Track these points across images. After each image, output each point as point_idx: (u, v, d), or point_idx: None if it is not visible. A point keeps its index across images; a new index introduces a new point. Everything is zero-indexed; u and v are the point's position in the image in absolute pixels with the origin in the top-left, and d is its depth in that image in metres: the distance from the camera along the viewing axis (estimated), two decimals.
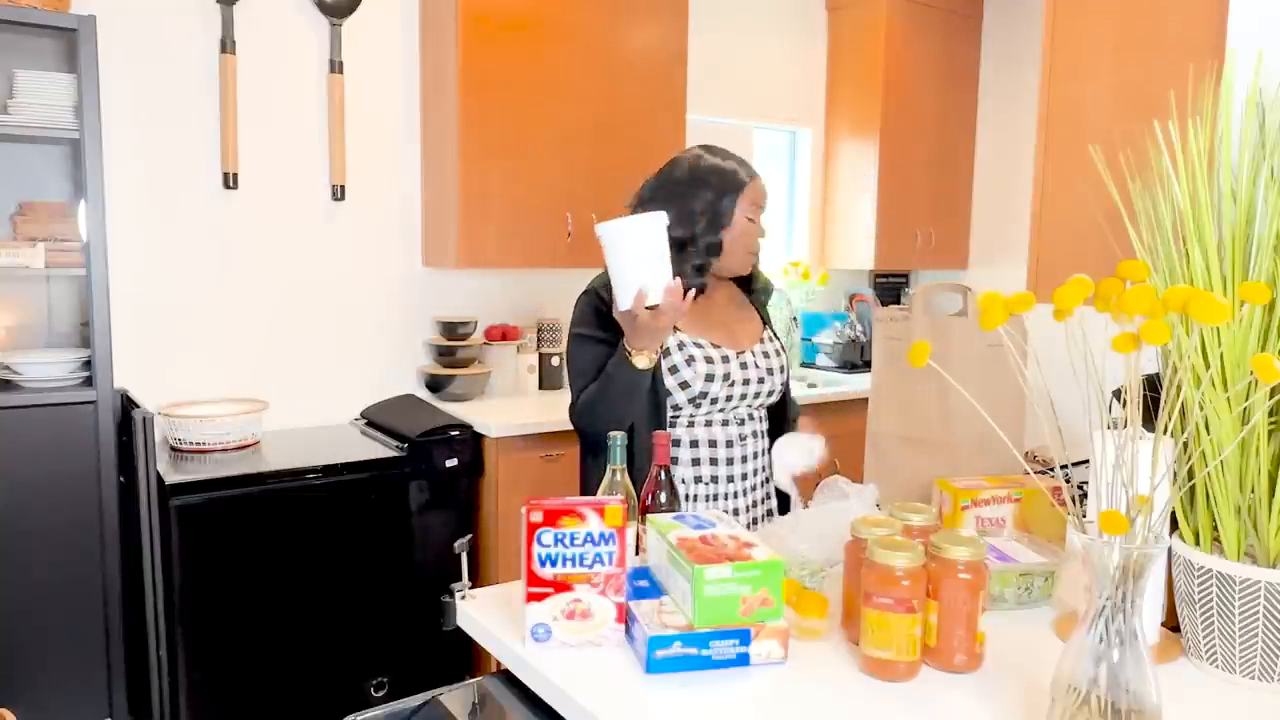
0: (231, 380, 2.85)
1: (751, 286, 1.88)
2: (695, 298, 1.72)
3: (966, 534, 1.17)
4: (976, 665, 1.12)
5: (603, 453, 1.64)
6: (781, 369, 1.82)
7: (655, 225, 1.47)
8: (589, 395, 1.66)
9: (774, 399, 1.82)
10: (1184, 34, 1.62)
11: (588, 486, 1.77)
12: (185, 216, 2.74)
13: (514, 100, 2.94)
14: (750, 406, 1.77)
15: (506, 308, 3.34)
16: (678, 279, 1.50)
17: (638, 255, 1.47)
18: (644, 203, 1.74)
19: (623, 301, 1.49)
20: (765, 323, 1.86)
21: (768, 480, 1.83)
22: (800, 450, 1.72)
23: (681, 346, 1.70)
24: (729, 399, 1.73)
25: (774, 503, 1.84)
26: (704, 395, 1.69)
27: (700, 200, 1.70)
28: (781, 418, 1.88)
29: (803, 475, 1.70)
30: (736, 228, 1.72)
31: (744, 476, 1.76)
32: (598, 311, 1.69)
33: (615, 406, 1.63)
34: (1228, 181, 1.12)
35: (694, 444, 1.73)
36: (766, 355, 1.79)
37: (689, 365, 1.68)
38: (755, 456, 1.79)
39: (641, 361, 1.57)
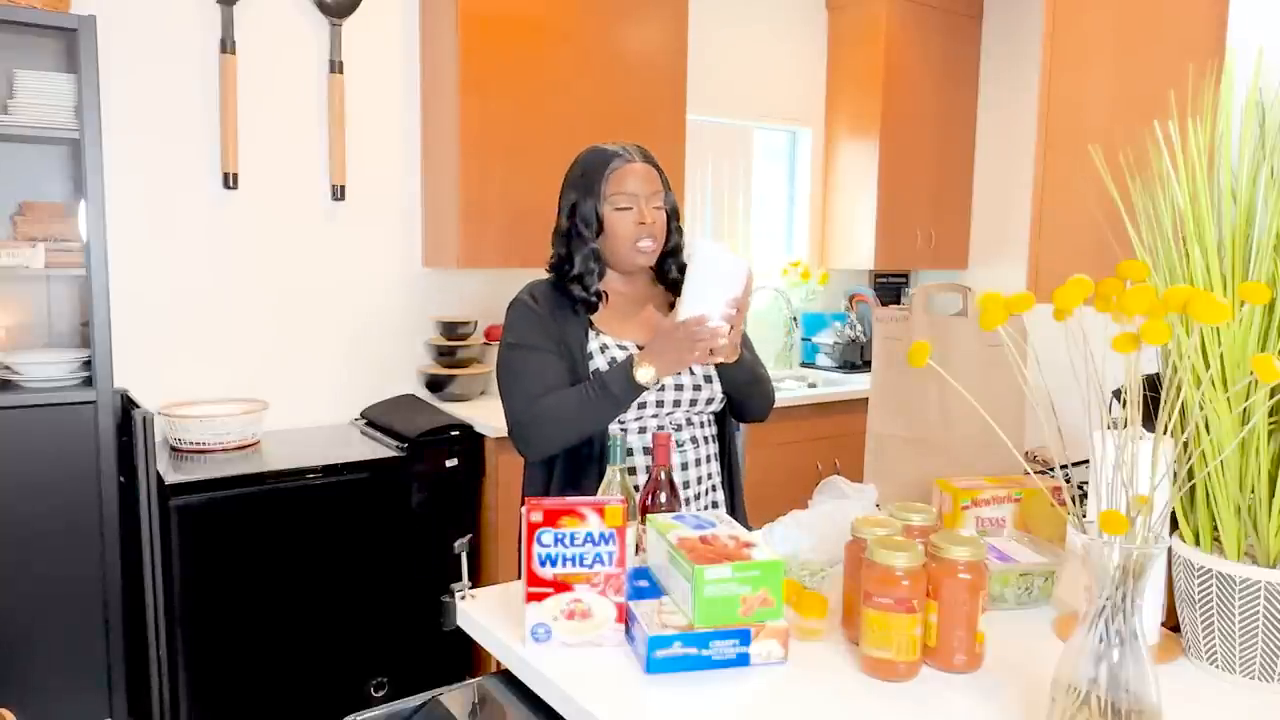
0: (231, 380, 2.85)
1: (669, 282, 1.78)
2: (584, 311, 1.69)
3: (966, 534, 1.17)
4: (976, 665, 1.12)
5: (555, 459, 1.65)
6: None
7: (741, 269, 1.52)
8: (554, 407, 1.57)
9: (715, 406, 1.73)
10: (1184, 33, 1.62)
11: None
12: (185, 216, 2.74)
13: (514, 100, 2.94)
14: (688, 413, 1.69)
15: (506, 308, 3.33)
16: (728, 325, 1.52)
17: (718, 283, 1.51)
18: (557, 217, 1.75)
19: (683, 313, 1.50)
20: None
21: (714, 489, 1.76)
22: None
23: (604, 349, 1.65)
24: (660, 404, 1.64)
25: (723, 510, 1.76)
26: (647, 389, 1.58)
27: (566, 205, 1.69)
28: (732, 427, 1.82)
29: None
30: (607, 224, 1.66)
31: (685, 484, 1.68)
32: (534, 321, 1.67)
33: (586, 422, 1.57)
34: (1228, 181, 1.12)
35: (629, 452, 1.65)
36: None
37: (611, 367, 1.61)
38: (697, 464, 1.70)
39: (644, 374, 1.53)
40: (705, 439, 1.74)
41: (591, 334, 1.67)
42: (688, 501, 1.70)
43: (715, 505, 1.77)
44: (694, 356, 1.51)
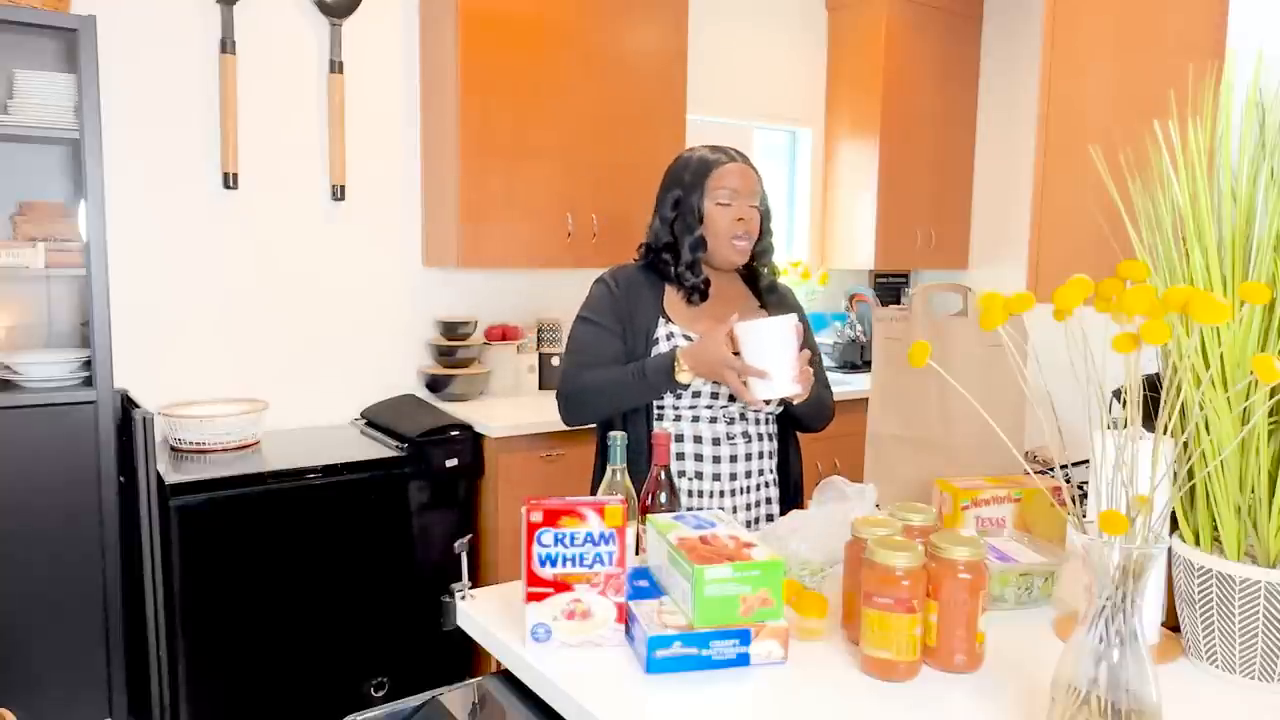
0: (231, 380, 2.85)
1: (759, 285, 1.85)
2: (699, 300, 1.77)
3: (966, 534, 1.17)
4: (976, 665, 1.12)
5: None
6: None
7: (785, 330, 1.55)
8: (595, 380, 1.67)
9: (771, 409, 1.76)
10: (1184, 34, 1.62)
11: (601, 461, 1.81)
12: (185, 216, 2.74)
13: (514, 100, 2.94)
14: (743, 408, 1.73)
15: (506, 308, 3.34)
16: (800, 387, 1.56)
17: (772, 354, 1.55)
18: (656, 210, 1.80)
19: (755, 390, 1.55)
20: None
21: (767, 485, 1.80)
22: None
23: (670, 337, 1.72)
24: (715, 396, 1.71)
25: (775, 508, 1.82)
26: (685, 387, 1.66)
27: (670, 199, 1.76)
28: (797, 426, 1.85)
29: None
30: (707, 218, 1.73)
31: (732, 476, 1.74)
32: (607, 300, 1.74)
33: (620, 400, 1.67)
34: (1228, 181, 1.12)
35: (679, 438, 1.72)
36: None
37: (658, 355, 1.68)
38: (748, 459, 1.76)
39: (684, 377, 1.61)
40: (760, 436, 1.78)
41: (661, 321, 1.73)
42: (735, 493, 1.74)
43: (769, 501, 1.81)
44: (732, 379, 1.56)
